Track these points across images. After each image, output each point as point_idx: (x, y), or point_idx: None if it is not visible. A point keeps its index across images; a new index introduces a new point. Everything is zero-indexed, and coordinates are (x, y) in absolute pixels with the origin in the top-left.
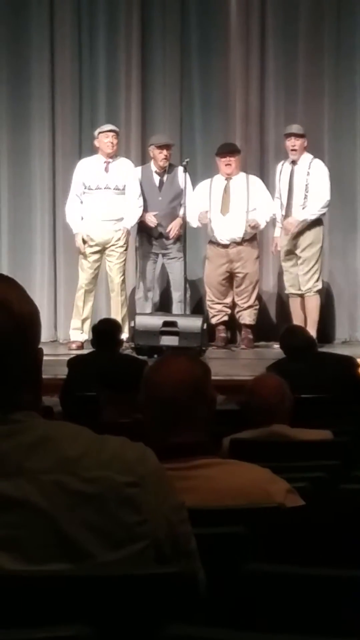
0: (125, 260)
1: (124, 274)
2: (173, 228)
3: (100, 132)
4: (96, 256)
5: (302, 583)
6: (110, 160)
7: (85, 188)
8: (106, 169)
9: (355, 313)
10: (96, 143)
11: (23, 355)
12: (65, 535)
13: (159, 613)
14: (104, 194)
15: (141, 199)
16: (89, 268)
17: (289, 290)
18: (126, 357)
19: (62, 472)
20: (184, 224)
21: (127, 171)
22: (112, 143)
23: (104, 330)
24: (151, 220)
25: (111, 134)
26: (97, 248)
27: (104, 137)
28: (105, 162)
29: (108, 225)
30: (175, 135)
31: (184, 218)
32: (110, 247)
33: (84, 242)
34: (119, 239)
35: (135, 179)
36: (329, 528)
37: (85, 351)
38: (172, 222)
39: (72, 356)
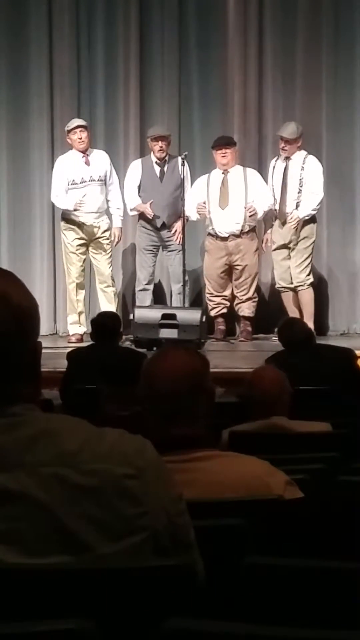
0: (111, 252)
1: (112, 266)
2: (177, 232)
3: (68, 130)
4: (82, 249)
5: (301, 575)
6: (87, 153)
7: (70, 184)
8: (87, 162)
9: (354, 305)
10: (68, 140)
11: (22, 349)
12: (65, 528)
13: (159, 606)
14: (89, 187)
15: (124, 190)
16: (78, 261)
17: (280, 284)
18: (125, 350)
19: (61, 465)
20: (183, 221)
21: (105, 162)
22: (80, 139)
23: (104, 323)
24: (148, 211)
25: (79, 129)
26: (83, 241)
27: (73, 134)
28: (83, 156)
29: (94, 217)
30: (173, 128)
31: (184, 216)
32: (95, 239)
33: (72, 223)
34: (105, 231)
35: (114, 171)
36: (328, 520)
37: (85, 344)
38: (174, 215)
39: (71, 349)
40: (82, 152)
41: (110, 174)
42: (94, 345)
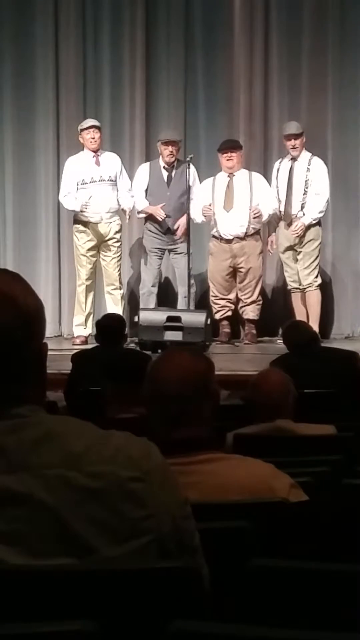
0: (121, 255)
1: (120, 268)
2: (180, 226)
3: (82, 129)
4: (93, 251)
5: (305, 578)
6: (98, 153)
7: (79, 184)
8: (97, 162)
9: (358, 308)
10: (80, 139)
11: (28, 350)
12: (70, 530)
13: (163, 608)
14: (99, 187)
15: (132, 191)
16: (88, 263)
17: (291, 285)
18: (129, 351)
19: (66, 467)
20: (189, 221)
21: (116, 163)
22: (93, 138)
23: (108, 326)
24: (159, 213)
25: (92, 129)
26: (93, 243)
27: (86, 134)
28: (94, 156)
29: (105, 218)
30: (179, 132)
31: (189, 214)
32: (106, 241)
33: (82, 224)
34: (116, 232)
35: (125, 173)
36: (333, 523)
37: (89, 346)
38: (179, 219)
39: (75, 351)
40: (93, 151)
41: (120, 175)
42: (98, 347)
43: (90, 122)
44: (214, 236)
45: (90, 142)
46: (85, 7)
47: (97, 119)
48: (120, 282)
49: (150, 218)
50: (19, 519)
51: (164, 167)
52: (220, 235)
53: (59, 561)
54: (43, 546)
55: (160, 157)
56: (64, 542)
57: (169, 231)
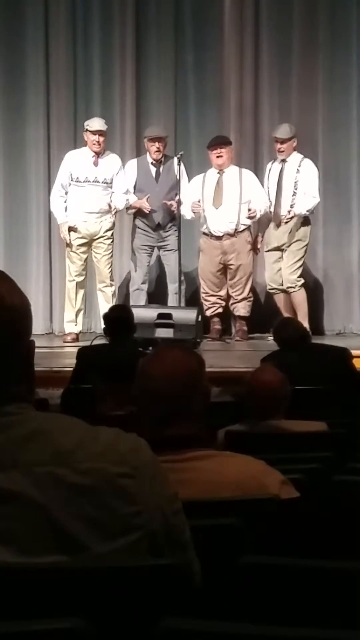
0: (112, 252)
1: (111, 266)
2: (173, 205)
3: (88, 130)
4: (84, 248)
5: (297, 574)
6: (99, 155)
7: (72, 180)
8: (95, 163)
9: (350, 305)
10: (84, 136)
11: (15, 348)
12: (60, 527)
13: (155, 605)
14: (92, 188)
15: (128, 193)
16: (78, 260)
17: (270, 285)
18: (138, 352)
19: (56, 465)
20: (179, 210)
21: (115, 166)
22: (97, 142)
23: (118, 317)
24: (145, 206)
25: (98, 133)
26: (85, 240)
27: (91, 136)
28: (93, 156)
29: (95, 217)
30: (169, 128)
31: (179, 202)
32: (97, 239)
33: (72, 230)
34: (107, 230)
35: (122, 173)
36: (324, 519)
37: (81, 343)
38: (169, 215)
39: (83, 347)
40: (94, 152)
41: (117, 176)
42: (106, 345)
43: (97, 125)
44: (204, 233)
45: (93, 144)
46: (76, 4)
47: (87, 116)
48: (112, 280)
49: (139, 214)
50: (9, 516)
51: (151, 163)
52: (210, 232)
53: (49, 559)
54: (33, 544)
55: (148, 153)
56: (54, 540)
57: (158, 227)
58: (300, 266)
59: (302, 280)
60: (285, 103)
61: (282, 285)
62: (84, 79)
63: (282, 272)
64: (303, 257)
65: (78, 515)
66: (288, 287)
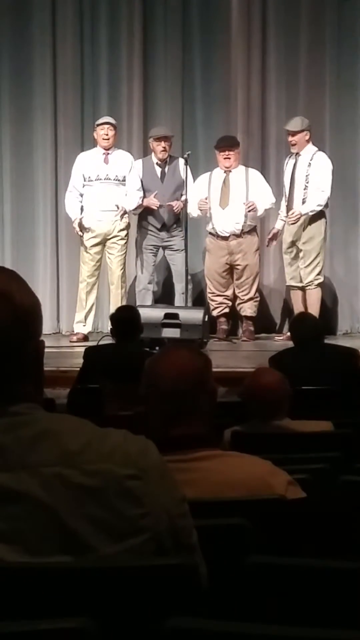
0: (125, 253)
1: (124, 267)
2: (177, 206)
3: (97, 125)
4: (97, 248)
5: (303, 575)
6: (109, 152)
7: (85, 180)
8: (105, 160)
9: (357, 305)
10: (94, 135)
11: (24, 347)
12: (67, 528)
13: (161, 605)
14: (104, 185)
15: (141, 191)
16: (91, 260)
17: (290, 282)
18: (144, 353)
19: (63, 465)
20: (185, 209)
21: (126, 163)
22: (106, 134)
23: (125, 318)
24: (153, 202)
25: (106, 126)
26: (98, 240)
27: (100, 129)
28: (104, 153)
29: (109, 216)
30: (176, 128)
31: (185, 202)
32: (111, 239)
33: (84, 229)
34: (121, 230)
35: (134, 172)
36: (330, 520)
37: (89, 343)
38: (174, 215)
39: (89, 346)
40: (104, 149)
41: (129, 174)
42: (112, 344)
43: (106, 118)
44: (210, 233)
45: (103, 138)
46: (83, 5)
47: (94, 117)
48: (123, 281)
49: (145, 211)
50: (17, 517)
51: (157, 163)
52: (216, 232)
53: (56, 559)
54: (40, 544)
55: (153, 153)
56: (61, 540)
57: (164, 227)
58: (318, 263)
59: (321, 279)
60: (292, 103)
61: (300, 282)
62: (92, 80)
63: (300, 270)
64: (320, 253)
65: (85, 516)
66: (305, 285)
